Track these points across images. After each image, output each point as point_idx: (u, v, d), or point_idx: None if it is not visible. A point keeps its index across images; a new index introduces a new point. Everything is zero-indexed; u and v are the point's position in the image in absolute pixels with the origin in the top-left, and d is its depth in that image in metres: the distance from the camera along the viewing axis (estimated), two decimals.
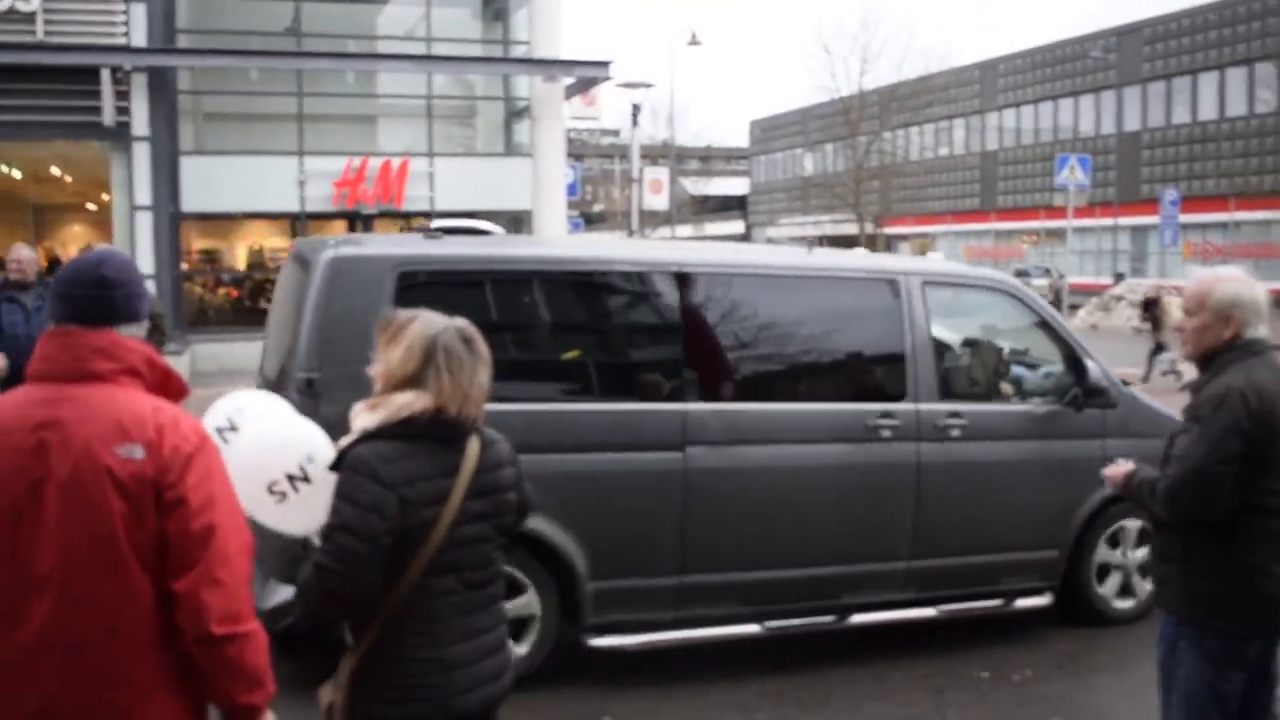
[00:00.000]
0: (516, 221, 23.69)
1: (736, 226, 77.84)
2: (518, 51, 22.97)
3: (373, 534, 2.80)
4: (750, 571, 6.04)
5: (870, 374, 6.56)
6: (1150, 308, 20.14)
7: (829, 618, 6.24)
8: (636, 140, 20.07)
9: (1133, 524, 6.75)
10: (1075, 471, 6.42)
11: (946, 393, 6.42)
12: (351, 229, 22.34)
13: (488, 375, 3.02)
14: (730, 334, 6.18)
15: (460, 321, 3.03)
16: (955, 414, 6.35)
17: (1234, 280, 3.82)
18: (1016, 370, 6.99)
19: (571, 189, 24.01)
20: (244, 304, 23.00)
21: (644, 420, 5.84)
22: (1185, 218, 39.20)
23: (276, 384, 5.62)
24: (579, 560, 5.71)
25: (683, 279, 6.03)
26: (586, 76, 21.50)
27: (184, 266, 21.41)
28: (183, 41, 21.26)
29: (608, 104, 41.08)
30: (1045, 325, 6.87)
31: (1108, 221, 44.23)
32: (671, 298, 6.01)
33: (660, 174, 34.72)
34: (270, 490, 4.18)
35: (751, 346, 6.31)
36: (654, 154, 42.24)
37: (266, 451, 4.27)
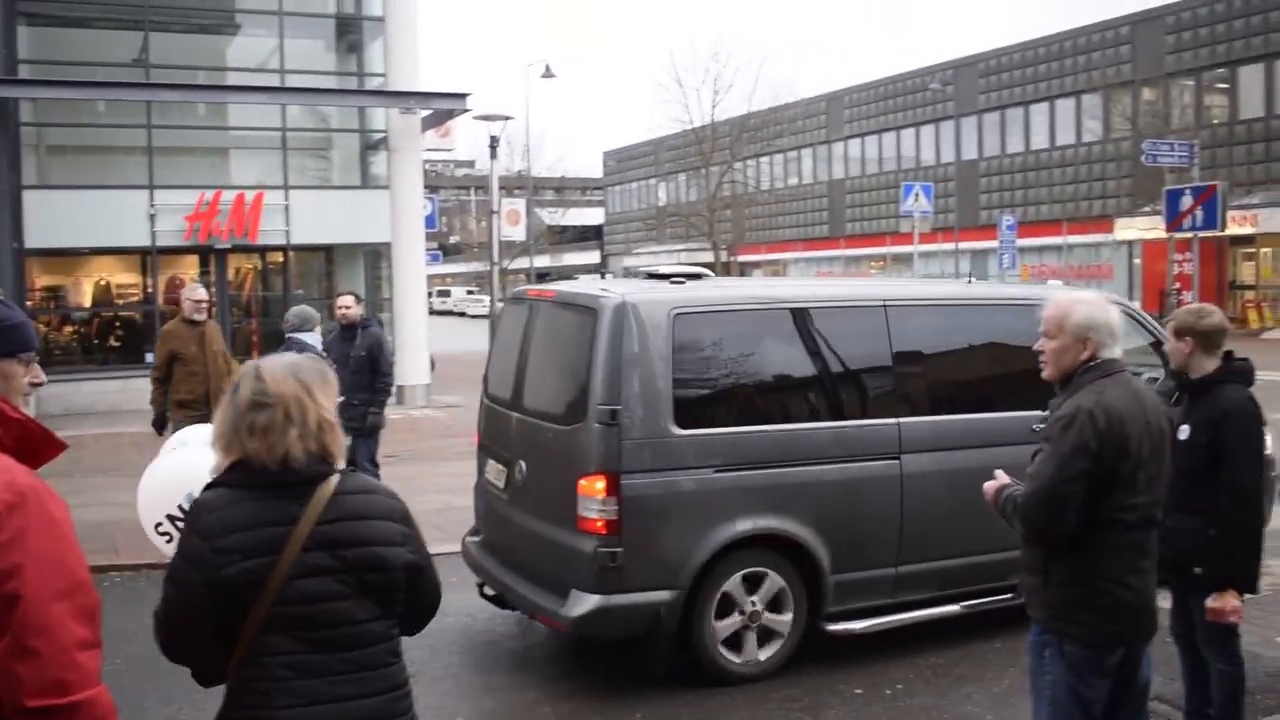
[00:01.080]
0: (376, 254, 23.53)
1: (593, 256, 78.25)
2: (373, 83, 22.88)
3: (186, 582, 2.67)
4: (949, 559, 7.03)
5: (1030, 387, 7.01)
6: None
7: (1008, 596, 6.93)
8: (496, 172, 20.07)
9: None
10: None
11: None
12: (204, 263, 21.92)
13: (316, 416, 2.77)
14: (925, 356, 7.26)
15: (299, 365, 2.86)
16: None
17: (1090, 303, 3.98)
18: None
19: (429, 221, 23.89)
20: (92, 342, 22.34)
21: (867, 433, 6.83)
22: (1022, 241, 40.86)
23: (565, 415, 6.40)
24: (823, 556, 6.60)
25: (889, 311, 7.02)
26: (443, 109, 21.49)
27: (28, 304, 20.71)
28: (24, 73, 20.61)
29: (462, 135, 40.96)
30: (1152, 340, 7.92)
31: (950, 246, 45.78)
32: (883, 327, 6.99)
33: (517, 205, 34.81)
34: (157, 531, 4.22)
35: (942, 366, 7.38)
36: (510, 185, 42.25)
37: (151, 494, 4.30)
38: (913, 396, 7.09)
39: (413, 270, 21.15)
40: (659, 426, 6.13)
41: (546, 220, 71.10)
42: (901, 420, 6.91)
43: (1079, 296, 4.05)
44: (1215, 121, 40.44)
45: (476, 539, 7.60)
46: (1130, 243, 40.00)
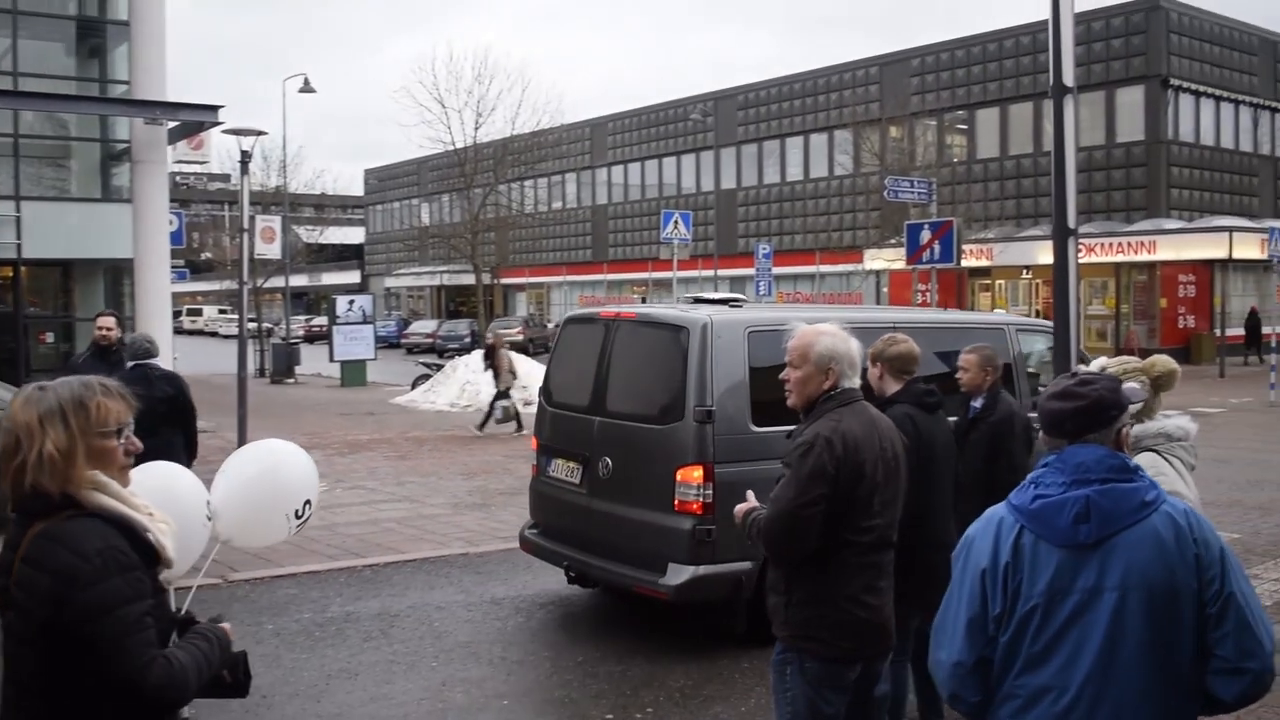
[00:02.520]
0: (118, 271, 22.31)
1: (353, 276, 76.60)
2: (116, 91, 21.72)
3: None
4: None
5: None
6: (489, 356, 20.80)
7: None
8: (246, 187, 19.28)
9: None
10: None
11: None
12: None
13: (41, 449, 2.57)
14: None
15: (49, 392, 2.65)
16: None
17: (832, 335, 4.12)
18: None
19: (176, 237, 22.81)
20: None
21: None
22: (778, 270, 42.08)
23: (659, 416, 7.36)
24: None
25: (924, 332, 7.29)
26: (192, 120, 20.57)
27: None
28: None
29: (218, 148, 39.39)
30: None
31: (709, 273, 46.86)
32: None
33: (273, 222, 33.63)
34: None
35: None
36: (266, 201, 40.85)
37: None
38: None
39: (157, 288, 20.05)
40: (741, 424, 7.21)
41: (305, 238, 69.17)
42: None
43: (822, 328, 4.16)
44: (955, 160, 42.84)
45: (536, 530, 8.48)
46: (878, 272, 41.79)
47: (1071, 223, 5.23)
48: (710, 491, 6.99)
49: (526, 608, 8.52)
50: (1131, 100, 38.69)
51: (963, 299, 41.64)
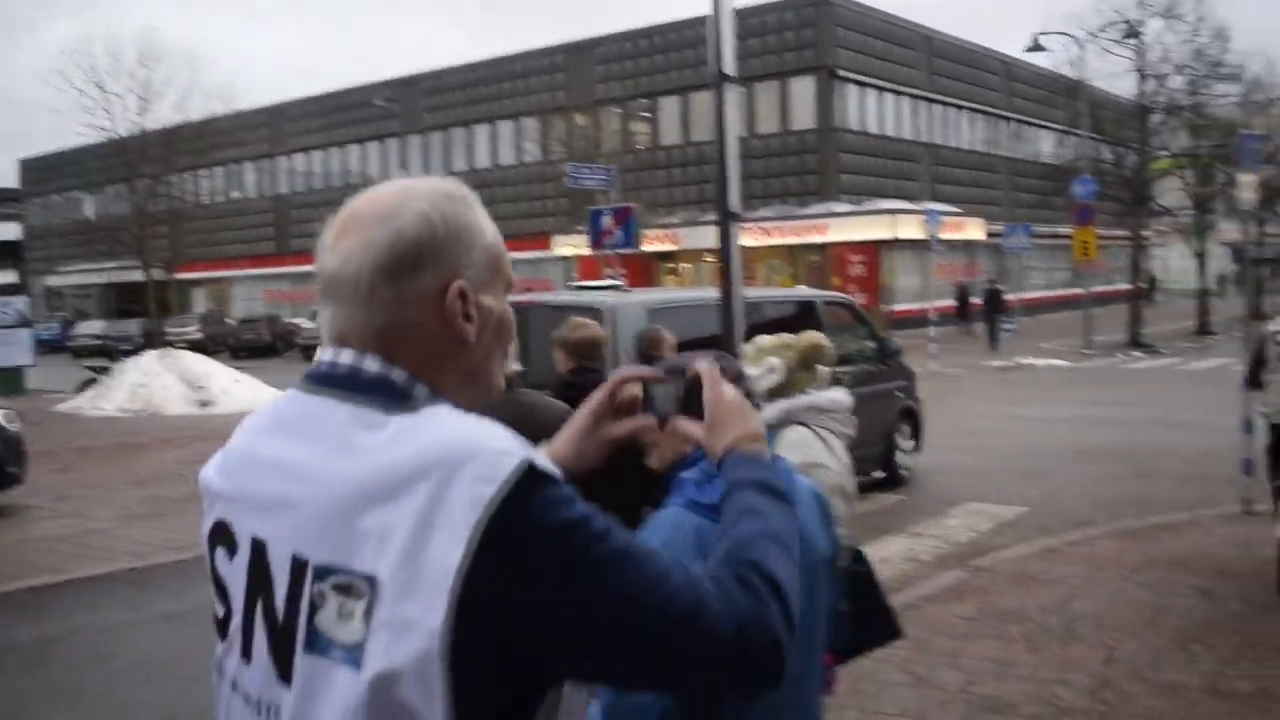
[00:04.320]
0: None
1: (8, 276, 70.86)
2: None
3: None
4: None
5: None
6: None
7: None
8: None
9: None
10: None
11: None
12: None
13: None
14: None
15: None
16: None
17: None
18: None
19: None
20: None
21: None
22: None
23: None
24: None
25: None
26: None
27: None
28: None
29: None
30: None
31: None
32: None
33: None
34: None
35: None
36: None
37: None
38: None
39: None
40: None
41: None
42: None
43: None
44: (640, 147, 43.74)
45: None
46: (567, 258, 42.21)
47: (734, 207, 5.33)
48: None
49: (202, 621, 8.01)
50: (804, 90, 40.63)
51: (651, 283, 42.64)
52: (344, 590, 1.26)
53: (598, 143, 40.19)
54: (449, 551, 1.20)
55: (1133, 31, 32.95)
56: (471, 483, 1.22)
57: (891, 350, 12.21)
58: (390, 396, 1.35)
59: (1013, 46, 39.74)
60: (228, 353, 43.88)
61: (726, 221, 4.98)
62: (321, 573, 1.28)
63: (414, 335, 1.38)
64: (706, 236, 40.29)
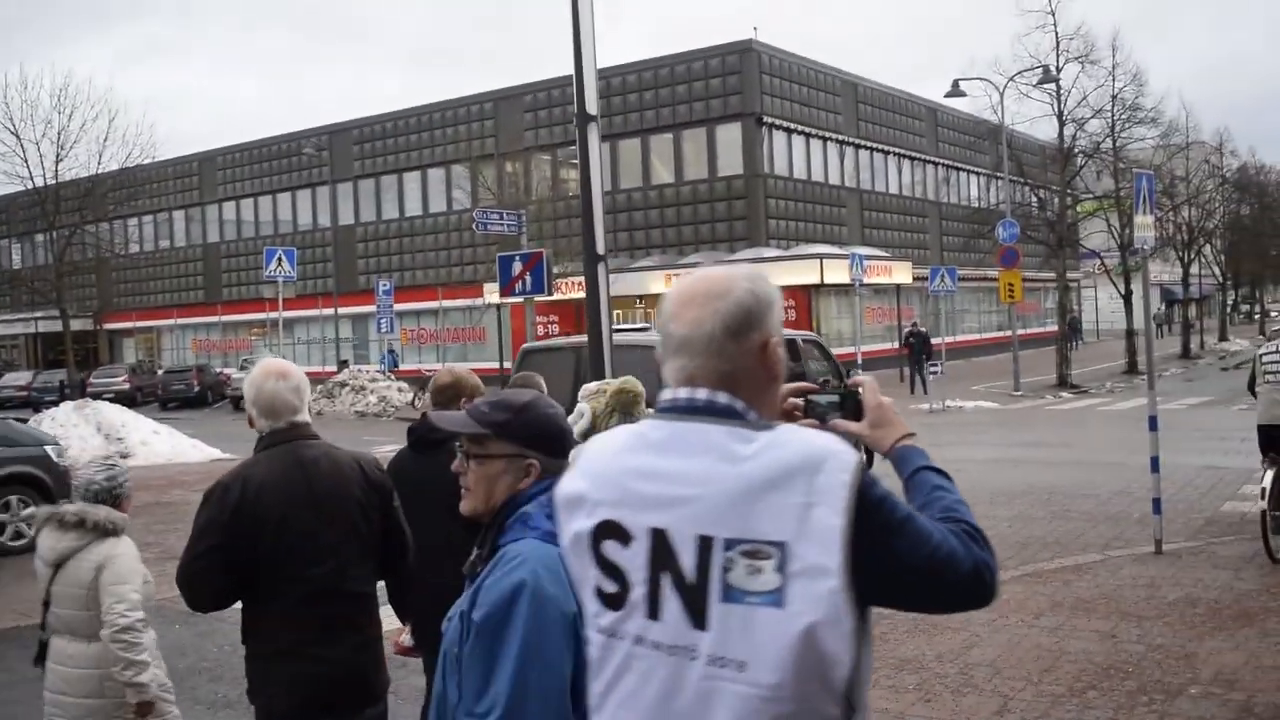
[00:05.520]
0: None
1: None
2: None
3: None
4: None
5: None
6: None
7: None
8: None
9: None
10: None
11: None
12: None
13: None
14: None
15: None
16: None
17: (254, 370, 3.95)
18: None
19: None
20: None
21: None
22: (400, 306, 41.64)
23: None
24: None
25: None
26: None
27: None
28: None
29: None
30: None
31: (329, 311, 45.62)
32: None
33: None
34: None
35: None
36: None
37: None
38: None
39: None
40: None
41: None
42: None
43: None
44: (571, 194, 43.66)
45: None
46: (499, 305, 41.94)
47: (600, 249, 5.20)
48: None
49: None
50: (730, 137, 40.81)
51: (581, 328, 42.50)
52: (751, 555, 1.79)
53: (527, 189, 40.05)
54: (833, 518, 1.76)
55: (1050, 77, 33.46)
56: (835, 472, 1.79)
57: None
58: (740, 420, 1.90)
59: (937, 93, 40.22)
60: (157, 403, 43.03)
61: (594, 264, 4.85)
62: (730, 544, 1.80)
63: (745, 377, 1.94)
64: (637, 282, 40.36)
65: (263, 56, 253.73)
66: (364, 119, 50.41)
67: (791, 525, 1.77)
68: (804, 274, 37.80)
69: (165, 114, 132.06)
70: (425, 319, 48.32)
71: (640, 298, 41.43)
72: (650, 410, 4.02)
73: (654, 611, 1.87)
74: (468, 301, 43.95)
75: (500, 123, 45.23)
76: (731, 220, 40.77)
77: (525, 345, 13.96)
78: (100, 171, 40.21)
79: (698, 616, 1.82)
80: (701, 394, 1.91)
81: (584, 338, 10.61)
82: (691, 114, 41.17)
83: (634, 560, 1.89)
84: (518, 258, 13.70)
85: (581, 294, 32.98)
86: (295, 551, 3.66)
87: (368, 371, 38.67)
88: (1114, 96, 35.14)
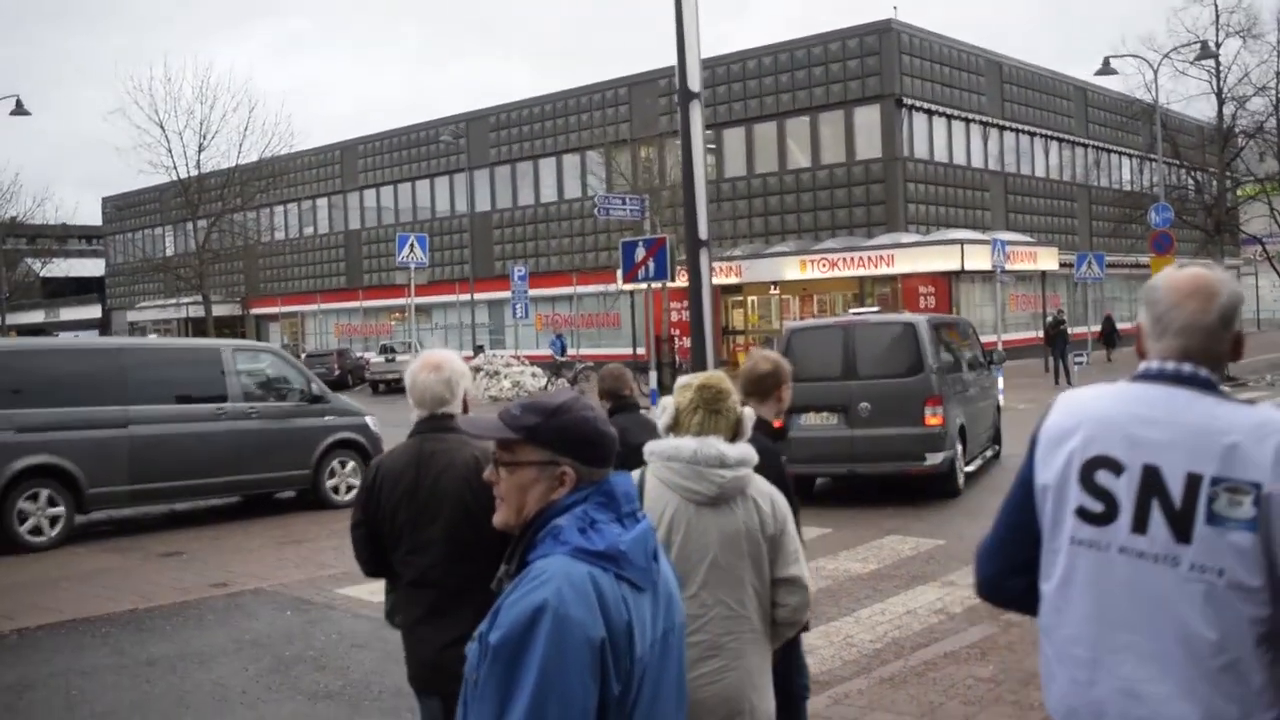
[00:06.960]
0: None
1: (94, 310, 72.42)
2: None
3: None
4: None
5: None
6: None
7: None
8: None
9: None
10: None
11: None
12: None
13: None
14: None
15: None
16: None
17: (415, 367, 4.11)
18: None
19: None
20: None
21: None
22: (534, 291, 41.74)
23: (905, 372, 12.72)
24: None
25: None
26: None
27: None
28: None
29: None
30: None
31: (465, 297, 46.12)
32: None
33: None
34: None
35: None
36: None
37: None
38: None
39: None
40: (942, 374, 12.68)
41: (40, 271, 64.98)
42: None
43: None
44: (708, 179, 43.31)
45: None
46: (632, 292, 41.85)
47: (703, 234, 4.87)
48: (940, 411, 12.26)
49: (183, 668, 7.64)
50: (869, 120, 39.92)
51: (716, 315, 42.12)
52: (1232, 490, 2.26)
53: (662, 174, 39.79)
54: None
55: (1208, 52, 31.87)
56: None
57: (997, 360, 17.04)
58: (1215, 391, 2.38)
59: (1084, 74, 38.69)
60: None
61: (695, 250, 4.58)
62: (1216, 481, 2.27)
63: (1220, 358, 2.44)
64: (771, 268, 39.83)
65: (401, 50, 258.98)
66: (500, 106, 50.78)
67: (1267, 471, 2.25)
68: (944, 260, 36.78)
69: (307, 105, 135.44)
70: (560, 304, 48.52)
71: (774, 283, 40.91)
72: (745, 408, 3.81)
73: (1140, 527, 2.34)
74: (601, 287, 43.93)
75: (635, 108, 45.07)
76: (869, 205, 39.91)
77: (791, 325, 15.60)
78: (240, 162, 41.31)
79: (1183, 534, 2.29)
80: (1188, 368, 2.40)
81: (851, 318, 13.20)
82: (829, 96, 40.40)
83: (1125, 488, 2.36)
84: (641, 243, 13.42)
85: (722, 280, 32.34)
86: (403, 538, 3.90)
87: (502, 357, 38.95)
88: (1278, 73, 33.36)
